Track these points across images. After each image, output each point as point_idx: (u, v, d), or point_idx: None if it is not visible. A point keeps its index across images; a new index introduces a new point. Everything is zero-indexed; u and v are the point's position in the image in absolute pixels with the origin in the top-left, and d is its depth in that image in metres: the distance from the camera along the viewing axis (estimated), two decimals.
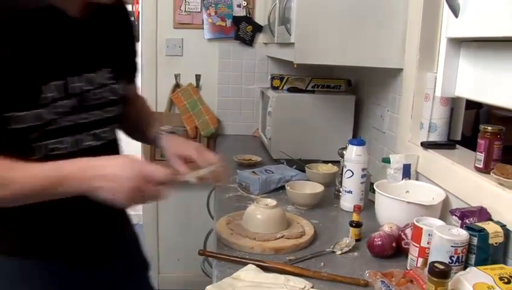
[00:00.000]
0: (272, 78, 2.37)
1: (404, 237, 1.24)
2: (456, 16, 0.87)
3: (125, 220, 1.36)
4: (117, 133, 1.26)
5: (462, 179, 1.33)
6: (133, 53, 1.32)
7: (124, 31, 1.27)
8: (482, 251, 1.07)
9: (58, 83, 1.02)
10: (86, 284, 1.19)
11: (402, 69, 1.75)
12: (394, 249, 1.24)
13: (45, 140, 1.04)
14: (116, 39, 1.20)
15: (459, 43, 0.94)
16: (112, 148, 1.22)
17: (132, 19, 1.35)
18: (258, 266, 1.14)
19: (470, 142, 1.50)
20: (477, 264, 1.06)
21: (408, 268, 1.14)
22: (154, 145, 1.40)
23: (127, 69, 1.29)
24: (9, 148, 0.97)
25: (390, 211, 1.35)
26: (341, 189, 1.61)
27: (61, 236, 1.13)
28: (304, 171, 1.87)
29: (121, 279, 1.28)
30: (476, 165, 1.30)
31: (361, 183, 1.55)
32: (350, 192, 1.56)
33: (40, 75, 1.00)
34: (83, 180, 0.96)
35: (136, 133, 1.42)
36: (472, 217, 1.17)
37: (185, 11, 2.69)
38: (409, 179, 1.55)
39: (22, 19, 0.97)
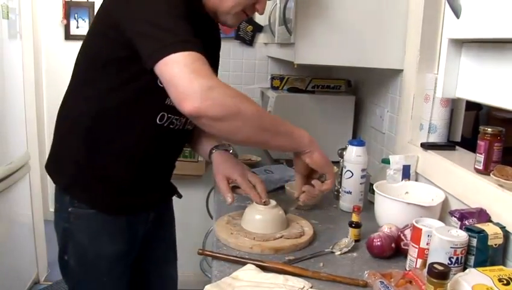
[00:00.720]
0: (272, 78, 2.36)
1: (403, 237, 1.24)
2: (458, 16, 0.87)
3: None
4: None
5: (462, 180, 1.33)
6: (217, 67, 1.51)
7: (218, 47, 1.52)
8: (481, 252, 1.07)
9: None
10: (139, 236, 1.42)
11: (402, 70, 1.75)
12: (393, 249, 1.24)
13: (172, 114, 1.27)
14: (215, 51, 1.47)
15: (460, 44, 0.94)
16: (189, 136, 1.46)
17: None
18: (257, 265, 1.14)
19: (469, 143, 1.50)
20: (476, 265, 1.06)
21: (407, 269, 1.14)
22: (206, 159, 1.52)
23: None
24: (152, 111, 1.25)
25: (390, 212, 1.35)
26: (340, 189, 1.61)
27: (141, 197, 1.36)
28: None
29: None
30: (476, 166, 1.30)
31: (361, 184, 1.55)
32: (349, 192, 1.56)
33: None
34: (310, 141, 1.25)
35: (194, 142, 1.55)
36: (471, 218, 1.17)
37: None
38: (409, 180, 1.55)
39: (193, 14, 1.15)
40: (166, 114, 1.28)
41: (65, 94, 1.34)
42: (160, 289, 1.64)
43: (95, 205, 1.30)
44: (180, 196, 1.58)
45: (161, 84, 1.10)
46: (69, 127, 1.31)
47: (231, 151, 1.51)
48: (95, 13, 1.26)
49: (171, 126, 1.31)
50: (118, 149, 1.28)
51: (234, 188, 1.45)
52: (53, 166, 1.37)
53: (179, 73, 1.02)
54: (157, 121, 1.28)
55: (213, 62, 1.33)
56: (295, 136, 1.21)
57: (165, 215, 1.58)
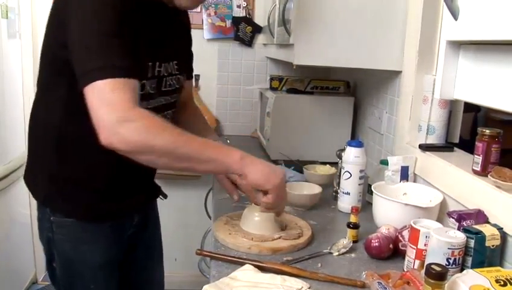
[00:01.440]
0: (271, 79, 2.37)
1: (401, 238, 1.24)
2: (456, 18, 0.87)
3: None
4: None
5: (460, 181, 1.33)
6: (191, 52, 1.53)
7: (187, 32, 1.49)
8: (478, 253, 1.07)
9: (150, 64, 1.23)
10: (125, 243, 1.41)
11: (401, 72, 1.75)
12: (391, 250, 1.24)
13: None
14: (182, 37, 1.44)
15: (459, 46, 0.94)
16: None
17: None
18: (255, 266, 1.14)
19: (468, 145, 1.51)
20: (473, 266, 1.06)
21: (405, 270, 1.14)
22: None
23: (187, 66, 1.47)
24: None
25: (388, 213, 1.35)
26: (339, 190, 1.61)
27: (122, 202, 1.33)
28: (302, 172, 1.87)
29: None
30: (474, 167, 1.30)
31: (359, 184, 1.56)
32: (348, 193, 1.56)
33: (146, 54, 1.21)
34: (239, 163, 1.15)
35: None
36: (469, 219, 1.17)
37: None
38: (407, 181, 1.55)
39: (141, 6, 1.17)
40: None
41: (32, 104, 1.30)
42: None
43: (76, 215, 1.27)
44: (165, 196, 1.55)
45: None
46: (39, 138, 1.28)
47: None
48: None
49: None
50: (90, 156, 1.23)
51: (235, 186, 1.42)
52: (29, 179, 1.35)
53: (96, 104, 1.02)
54: None
55: (178, 50, 1.37)
56: (221, 162, 1.14)
57: (149, 216, 1.55)
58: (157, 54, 1.26)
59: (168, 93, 1.35)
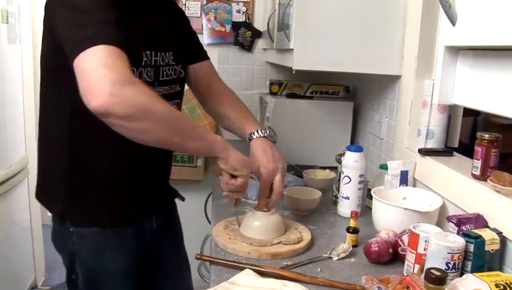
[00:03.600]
0: (271, 84, 2.37)
1: (400, 243, 1.24)
2: (454, 24, 0.88)
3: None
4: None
5: (459, 186, 1.34)
6: (191, 35, 1.53)
7: (181, 22, 1.48)
8: (478, 257, 1.07)
9: (148, 52, 1.24)
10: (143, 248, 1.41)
11: (400, 76, 1.76)
12: (391, 255, 1.24)
13: None
14: (176, 28, 1.42)
15: (456, 51, 0.94)
16: None
17: None
18: (254, 271, 1.14)
19: (467, 149, 1.51)
20: (473, 271, 1.06)
21: (404, 274, 1.14)
22: (246, 141, 1.46)
23: (185, 54, 1.46)
24: None
25: (387, 218, 1.35)
26: (338, 195, 1.61)
27: (142, 203, 1.34)
28: (301, 177, 1.87)
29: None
30: (473, 172, 1.31)
31: (359, 189, 1.56)
32: (347, 198, 1.56)
33: (142, 42, 1.22)
34: (224, 146, 1.20)
35: (226, 125, 1.56)
36: (469, 224, 1.17)
37: None
38: (406, 185, 1.55)
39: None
40: None
41: (39, 117, 1.30)
42: None
43: (98, 222, 1.28)
44: (182, 199, 1.55)
45: None
46: (52, 148, 1.27)
47: (270, 138, 1.43)
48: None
49: None
50: (105, 160, 1.24)
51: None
52: (45, 194, 1.35)
53: (90, 66, 0.96)
54: None
55: (174, 41, 1.38)
56: (209, 141, 1.18)
57: (169, 223, 1.55)
58: (152, 43, 1.27)
59: (166, 83, 1.34)
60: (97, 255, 1.30)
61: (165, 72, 1.33)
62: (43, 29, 1.19)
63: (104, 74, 0.95)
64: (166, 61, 1.33)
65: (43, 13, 1.16)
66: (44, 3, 1.16)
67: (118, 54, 1.00)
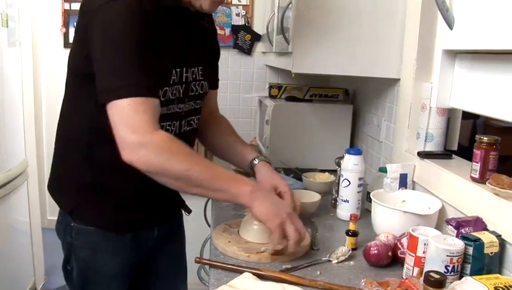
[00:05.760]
0: (270, 87, 2.37)
1: (400, 246, 1.24)
2: (451, 28, 0.88)
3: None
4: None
5: (458, 189, 1.34)
6: (217, 59, 1.55)
7: (212, 38, 1.49)
8: (477, 260, 1.07)
9: (178, 70, 1.27)
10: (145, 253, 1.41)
11: (399, 79, 1.76)
12: (390, 258, 1.24)
13: (164, 121, 1.25)
14: (206, 43, 1.43)
15: (454, 55, 0.95)
16: (194, 133, 1.45)
17: None
18: (254, 274, 1.14)
19: (467, 152, 1.51)
20: (472, 273, 1.06)
21: (404, 277, 1.14)
22: (246, 171, 1.51)
23: (211, 72, 1.49)
24: None
25: (387, 221, 1.35)
26: (338, 198, 1.61)
27: (146, 213, 1.34)
28: (301, 180, 1.87)
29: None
30: (472, 175, 1.31)
31: (358, 192, 1.56)
32: (347, 201, 1.56)
33: (171, 60, 1.24)
34: (247, 198, 1.19)
35: (228, 150, 1.55)
36: (468, 226, 1.18)
37: None
38: (406, 188, 1.55)
39: (164, 13, 1.20)
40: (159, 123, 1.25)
41: (60, 112, 1.33)
42: None
43: (98, 224, 1.29)
44: (189, 211, 1.55)
45: None
46: (70, 147, 1.30)
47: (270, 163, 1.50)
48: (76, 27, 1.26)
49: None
50: (119, 164, 1.22)
51: None
52: (57, 189, 1.36)
53: (118, 123, 1.10)
54: None
55: (203, 55, 1.39)
56: (231, 193, 1.19)
57: (173, 231, 1.54)
58: (182, 60, 1.29)
59: (194, 98, 1.37)
60: (93, 253, 1.31)
61: (193, 88, 1.35)
62: (75, 34, 1.23)
63: (127, 133, 1.09)
64: (194, 76, 1.35)
65: (78, 17, 1.20)
66: (80, 7, 1.19)
67: (145, 106, 1.10)
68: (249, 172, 1.49)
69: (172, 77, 1.25)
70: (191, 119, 1.39)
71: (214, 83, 1.53)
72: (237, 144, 1.54)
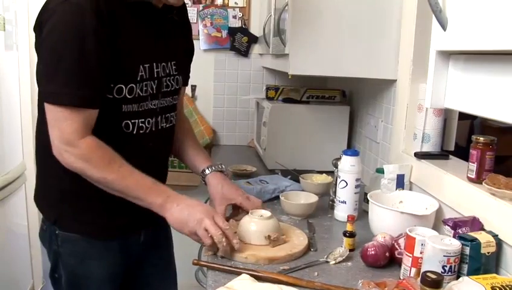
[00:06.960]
0: (267, 89, 2.38)
1: (397, 246, 1.24)
2: (444, 29, 0.88)
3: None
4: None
5: (455, 189, 1.34)
6: (190, 55, 1.53)
7: (184, 31, 1.46)
8: (474, 260, 1.08)
9: (146, 65, 1.25)
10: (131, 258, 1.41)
11: (396, 80, 1.76)
12: (387, 259, 1.24)
13: (137, 118, 1.26)
14: (178, 36, 1.41)
15: (448, 56, 0.95)
16: (173, 130, 1.44)
17: None
18: (251, 275, 1.14)
19: (464, 152, 1.51)
20: (469, 273, 1.06)
21: (401, 278, 1.14)
22: (201, 177, 1.50)
23: (185, 67, 1.47)
24: (113, 122, 1.23)
25: (384, 221, 1.36)
26: (335, 199, 1.61)
27: (130, 218, 1.32)
28: (298, 181, 1.87)
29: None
30: (469, 175, 1.31)
31: (355, 193, 1.56)
32: (344, 202, 1.56)
33: (137, 56, 1.24)
34: (160, 208, 1.23)
35: (182, 154, 1.55)
36: (464, 226, 1.18)
37: None
38: (403, 189, 1.56)
39: (127, 9, 1.20)
40: (129, 121, 1.25)
41: (37, 121, 1.32)
42: None
43: (83, 232, 1.29)
44: None
45: (110, 95, 1.18)
46: (48, 156, 1.25)
47: (225, 172, 1.49)
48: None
49: (141, 131, 1.28)
50: None
51: (235, 210, 1.46)
52: (41, 200, 1.37)
53: (50, 124, 1.17)
54: (125, 131, 1.26)
55: (176, 49, 1.38)
56: (147, 202, 1.23)
57: (159, 236, 1.51)
58: (151, 55, 1.27)
59: (169, 94, 1.35)
60: (80, 260, 1.31)
61: (165, 84, 1.33)
62: (35, 45, 1.27)
63: (56, 136, 1.17)
64: (168, 71, 1.33)
65: (36, 31, 1.24)
66: (36, 19, 1.23)
67: (76, 116, 1.15)
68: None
69: (140, 73, 1.24)
70: (169, 115, 1.37)
71: (186, 78, 1.51)
72: (191, 149, 1.52)
